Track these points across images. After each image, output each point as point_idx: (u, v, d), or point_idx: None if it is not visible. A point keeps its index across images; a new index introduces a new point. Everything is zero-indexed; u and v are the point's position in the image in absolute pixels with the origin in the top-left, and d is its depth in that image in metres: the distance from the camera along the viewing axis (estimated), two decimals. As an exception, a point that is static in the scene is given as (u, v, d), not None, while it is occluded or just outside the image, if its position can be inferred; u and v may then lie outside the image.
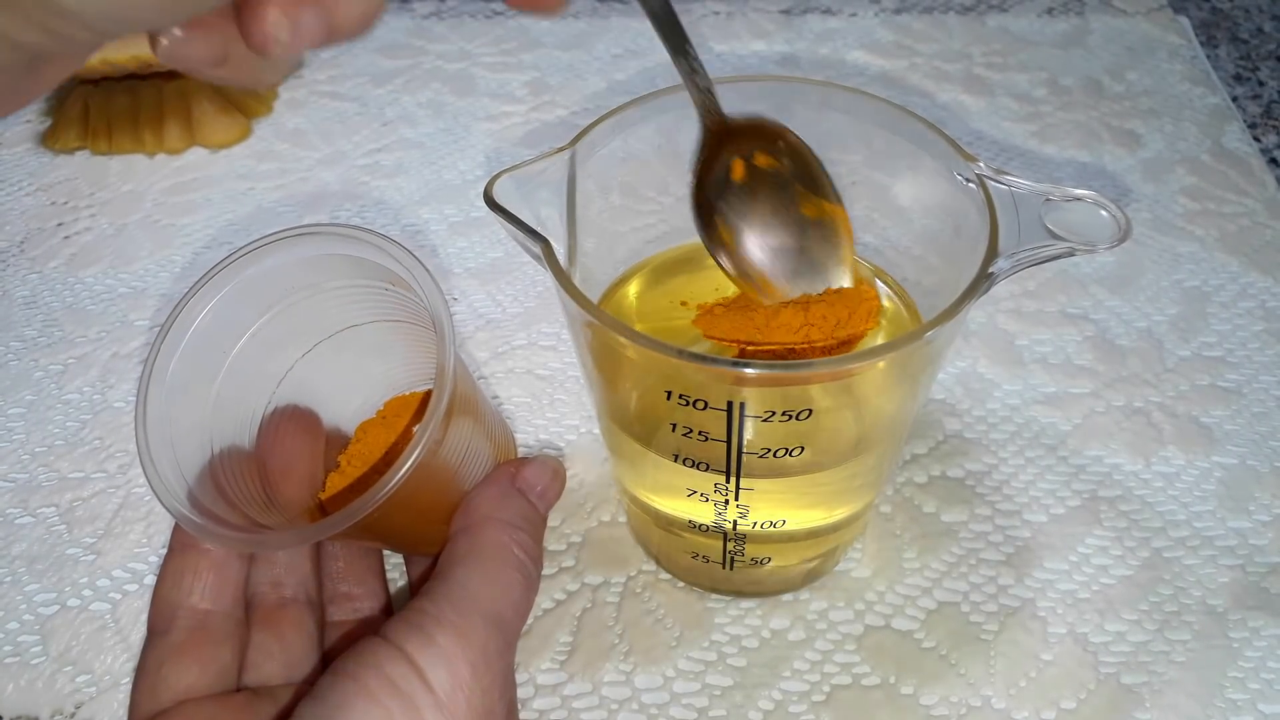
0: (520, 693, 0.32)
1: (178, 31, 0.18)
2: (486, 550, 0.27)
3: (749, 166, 0.30)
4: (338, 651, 0.30)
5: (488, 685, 0.25)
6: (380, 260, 0.27)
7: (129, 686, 0.27)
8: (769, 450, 0.27)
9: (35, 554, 0.37)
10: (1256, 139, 0.53)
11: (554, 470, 0.31)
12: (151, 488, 0.26)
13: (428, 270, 0.27)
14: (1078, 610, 0.34)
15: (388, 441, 0.33)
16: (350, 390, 0.33)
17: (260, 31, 0.17)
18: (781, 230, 0.30)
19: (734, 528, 0.30)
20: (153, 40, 0.18)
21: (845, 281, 0.30)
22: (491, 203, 0.26)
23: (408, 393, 0.34)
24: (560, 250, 0.27)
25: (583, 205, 0.29)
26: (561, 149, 0.28)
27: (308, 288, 0.30)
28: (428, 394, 0.34)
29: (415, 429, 0.33)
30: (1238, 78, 0.57)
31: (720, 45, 0.59)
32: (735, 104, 0.30)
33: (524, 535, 0.28)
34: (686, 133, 0.30)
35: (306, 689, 0.27)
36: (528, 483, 0.30)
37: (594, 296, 0.31)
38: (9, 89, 0.18)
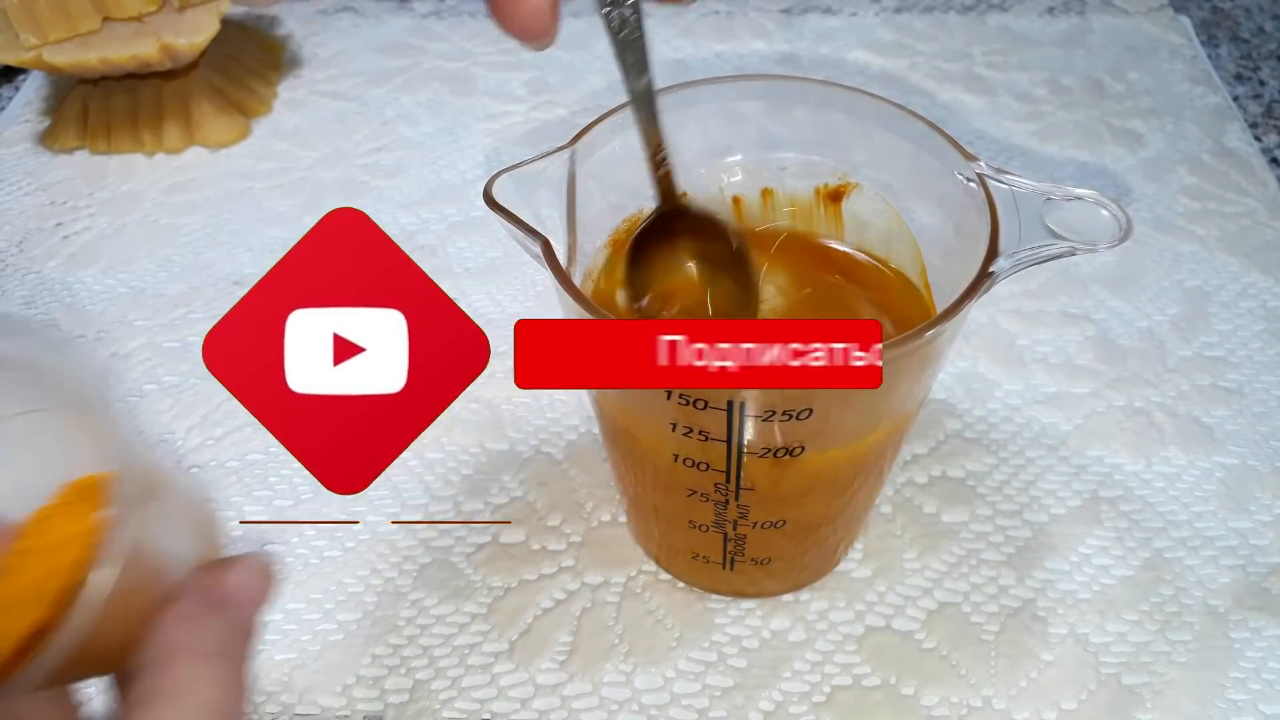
0: (520, 693, 0.32)
1: None
2: (176, 693, 0.22)
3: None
4: None
5: None
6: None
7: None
8: (769, 450, 0.27)
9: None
10: (1257, 138, 0.53)
11: (263, 571, 0.25)
12: None
13: (74, 352, 0.22)
14: (1078, 611, 0.34)
15: (69, 531, 0.25)
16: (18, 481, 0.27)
17: None
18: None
19: (734, 528, 0.30)
20: None
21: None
22: (491, 202, 0.26)
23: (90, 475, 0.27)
24: (560, 249, 0.27)
25: (583, 205, 0.29)
26: (561, 148, 0.28)
27: None
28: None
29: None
30: (1239, 77, 0.57)
31: (720, 45, 0.59)
32: (736, 102, 0.30)
33: (224, 666, 0.23)
34: (686, 132, 0.30)
35: None
36: (230, 591, 0.24)
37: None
38: None
